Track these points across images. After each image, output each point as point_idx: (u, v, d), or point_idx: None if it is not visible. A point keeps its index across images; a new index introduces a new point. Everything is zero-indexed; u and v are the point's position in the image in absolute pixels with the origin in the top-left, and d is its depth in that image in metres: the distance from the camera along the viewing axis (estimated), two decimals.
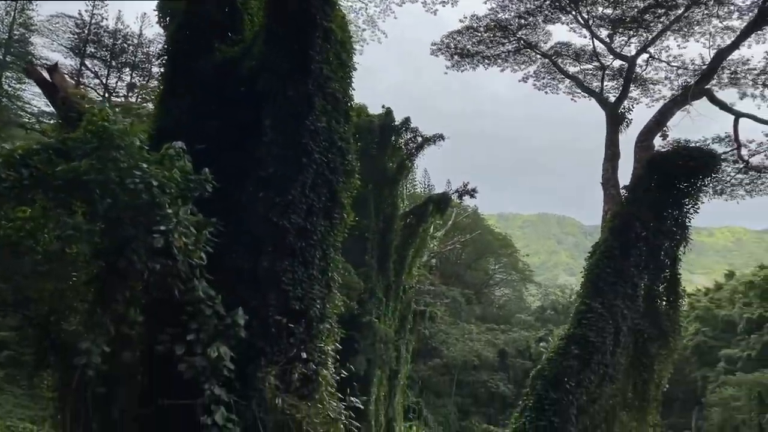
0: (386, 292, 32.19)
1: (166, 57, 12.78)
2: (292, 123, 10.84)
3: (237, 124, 10.97)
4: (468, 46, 25.24)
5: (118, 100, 39.99)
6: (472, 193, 35.00)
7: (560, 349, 15.12)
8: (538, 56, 25.20)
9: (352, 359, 28.14)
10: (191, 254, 7.88)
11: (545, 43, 24.82)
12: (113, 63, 42.27)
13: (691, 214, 17.06)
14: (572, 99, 26.61)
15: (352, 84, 12.19)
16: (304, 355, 9.54)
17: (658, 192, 16.62)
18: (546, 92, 27.00)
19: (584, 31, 23.09)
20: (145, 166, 7.63)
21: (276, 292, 10.11)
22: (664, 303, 16.83)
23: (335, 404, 9.61)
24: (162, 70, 13.46)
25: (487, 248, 69.98)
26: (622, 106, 21.40)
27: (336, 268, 11.57)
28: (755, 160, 25.04)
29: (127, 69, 43.06)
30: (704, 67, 21.59)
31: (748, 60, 23.02)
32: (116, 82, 43.03)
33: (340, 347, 11.52)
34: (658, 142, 20.32)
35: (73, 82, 33.53)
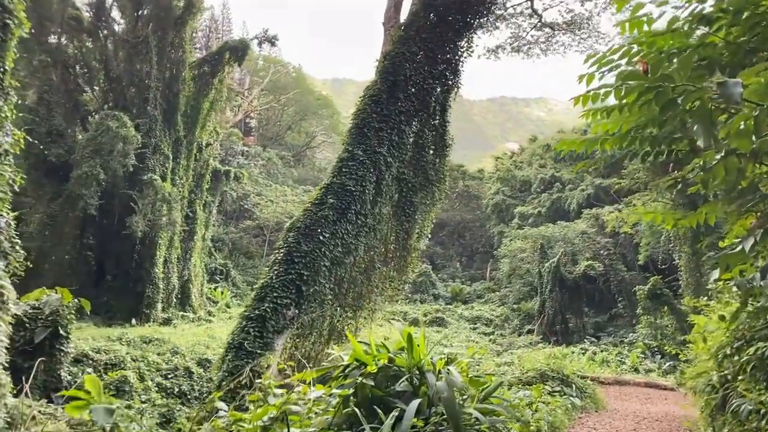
0: (175, 148, 29.19)
1: None
2: None
3: None
4: None
5: None
6: (272, 40, 32.02)
7: (316, 200, 13.94)
8: None
9: (129, 219, 25.70)
10: None
11: None
12: None
13: (465, 58, 16.16)
14: None
15: None
16: None
17: (432, 31, 15.20)
18: None
19: None
20: None
21: None
22: (431, 152, 16.19)
23: None
24: None
25: (308, 109, 67.83)
26: None
27: (4, 93, 8.93)
28: (549, 16, 25.03)
29: None
30: None
31: None
32: None
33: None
34: None
35: None
